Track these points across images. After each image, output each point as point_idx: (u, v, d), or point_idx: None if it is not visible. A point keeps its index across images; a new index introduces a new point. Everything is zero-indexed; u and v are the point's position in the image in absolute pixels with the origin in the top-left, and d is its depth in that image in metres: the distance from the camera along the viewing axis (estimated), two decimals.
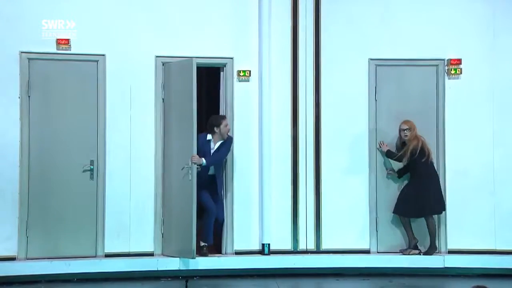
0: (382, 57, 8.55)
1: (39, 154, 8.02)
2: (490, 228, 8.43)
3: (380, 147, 8.46)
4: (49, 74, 8.06)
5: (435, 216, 8.37)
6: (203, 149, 8.07)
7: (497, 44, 8.55)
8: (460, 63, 8.51)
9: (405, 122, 8.29)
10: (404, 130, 8.27)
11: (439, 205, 8.30)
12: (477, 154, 8.52)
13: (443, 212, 8.38)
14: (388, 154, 8.41)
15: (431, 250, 8.29)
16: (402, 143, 8.38)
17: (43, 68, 8.03)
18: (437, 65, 8.57)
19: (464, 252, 8.34)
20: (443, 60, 8.55)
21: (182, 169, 7.86)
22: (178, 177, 8.00)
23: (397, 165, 8.48)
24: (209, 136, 8.17)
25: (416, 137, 8.23)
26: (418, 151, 8.16)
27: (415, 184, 8.27)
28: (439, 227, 8.41)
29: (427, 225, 8.28)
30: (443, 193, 8.37)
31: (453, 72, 8.49)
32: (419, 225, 8.39)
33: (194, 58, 7.88)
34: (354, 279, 8.05)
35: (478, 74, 8.55)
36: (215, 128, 8.12)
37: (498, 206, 8.46)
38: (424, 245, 8.36)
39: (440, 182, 8.40)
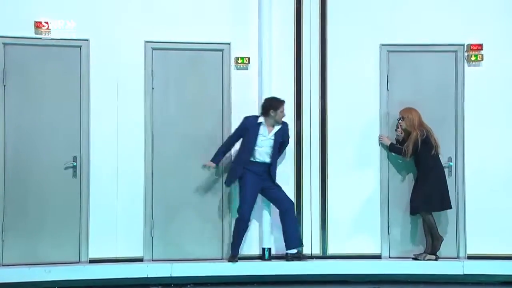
0: (394, 43, 8.30)
1: (16, 149, 7.85)
2: None
3: (380, 140, 8.21)
4: (26, 61, 7.88)
5: (451, 217, 8.15)
6: (250, 131, 7.79)
7: None
8: (481, 49, 8.23)
9: (401, 110, 8.00)
10: (397, 119, 8.03)
11: (448, 201, 8.03)
12: (499, 149, 8.23)
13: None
14: (391, 148, 8.10)
15: (437, 242, 7.92)
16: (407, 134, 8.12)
17: (20, 54, 7.86)
18: (455, 51, 8.30)
19: (485, 257, 8.12)
20: (463, 45, 8.27)
21: (205, 167, 7.93)
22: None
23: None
24: (260, 119, 7.86)
25: (417, 128, 7.87)
26: (420, 143, 7.83)
27: (426, 179, 7.93)
28: (457, 230, 8.20)
29: (424, 221, 7.96)
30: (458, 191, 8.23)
31: (473, 58, 8.22)
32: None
33: (230, 45, 8.07)
34: (363, 287, 7.84)
35: (500, 61, 8.26)
36: (271, 112, 7.79)
37: None
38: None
39: (459, 181, 8.21)
